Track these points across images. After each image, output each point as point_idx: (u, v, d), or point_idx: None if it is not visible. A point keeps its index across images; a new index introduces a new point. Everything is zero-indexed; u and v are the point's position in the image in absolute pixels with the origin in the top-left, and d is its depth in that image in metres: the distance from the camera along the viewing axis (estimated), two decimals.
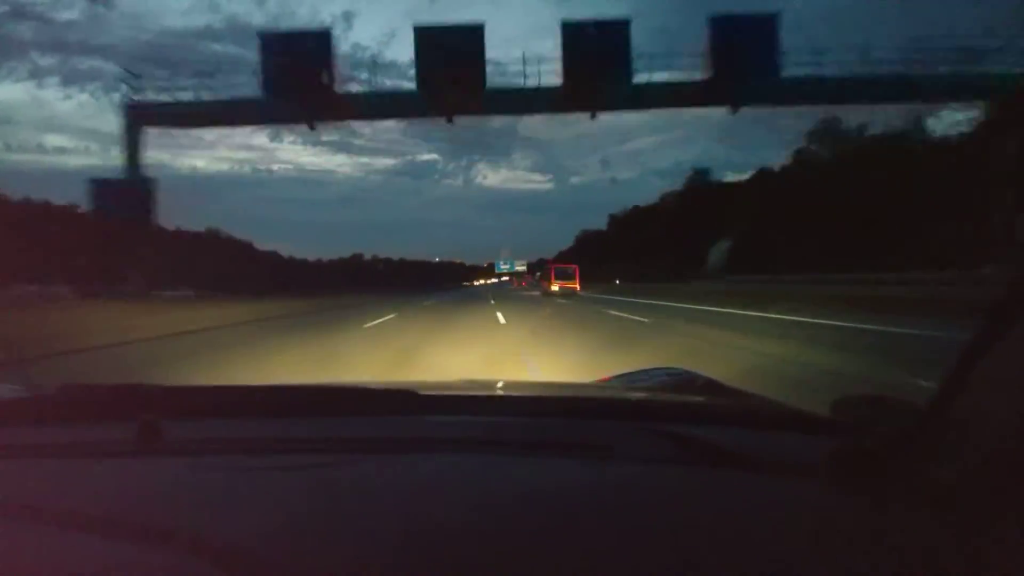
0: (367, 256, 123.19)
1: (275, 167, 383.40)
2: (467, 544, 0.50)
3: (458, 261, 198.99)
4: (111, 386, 0.94)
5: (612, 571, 0.45)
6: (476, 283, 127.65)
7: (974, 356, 0.54)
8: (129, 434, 0.75)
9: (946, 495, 0.53)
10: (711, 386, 1.18)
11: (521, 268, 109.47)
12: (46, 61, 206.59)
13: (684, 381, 1.26)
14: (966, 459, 0.54)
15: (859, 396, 0.82)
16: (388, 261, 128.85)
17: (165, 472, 0.70)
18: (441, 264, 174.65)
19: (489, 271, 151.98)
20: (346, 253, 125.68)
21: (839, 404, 0.84)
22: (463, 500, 0.60)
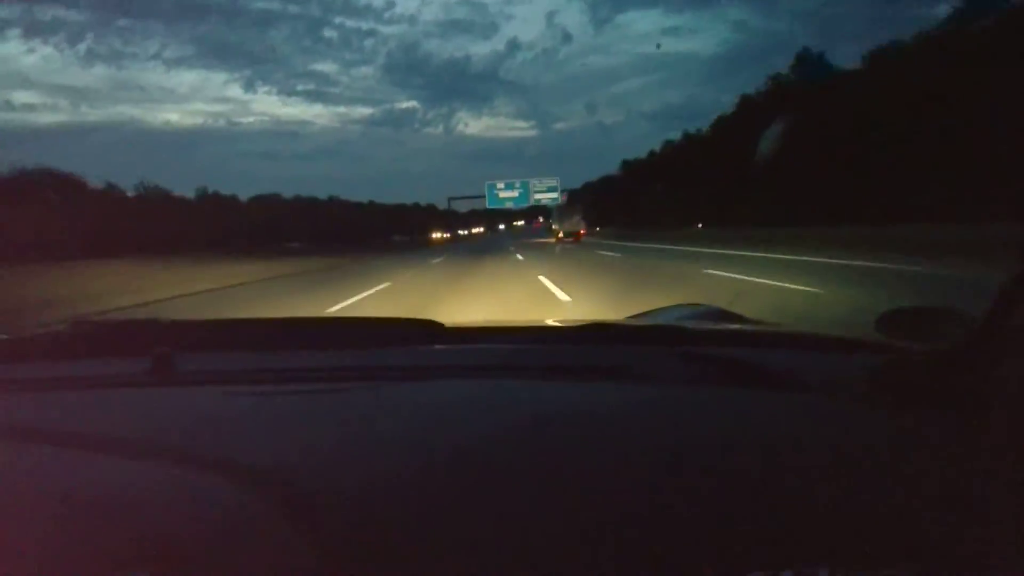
0: (286, 196, 77.78)
1: (250, 119, 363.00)
2: (489, 464, 0.49)
3: (411, 203, 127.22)
4: (123, 320, 0.96)
5: (645, 488, 0.45)
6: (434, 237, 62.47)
7: None
8: (143, 367, 0.74)
9: (1001, 414, 0.51)
10: (738, 318, 1.16)
11: (549, 197, 48.64)
12: (5, 12, 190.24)
13: (710, 314, 1.22)
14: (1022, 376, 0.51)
15: (906, 309, 0.77)
16: (313, 202, 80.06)
17: (183, 400, 0.69)
18: (389, 209, 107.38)
19: (472, 220, 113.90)
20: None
21: (884, 319, 0.78)
22: (486, 421, 0.59)
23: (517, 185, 49.88)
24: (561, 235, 34.06)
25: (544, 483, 0.45)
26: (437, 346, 0.87)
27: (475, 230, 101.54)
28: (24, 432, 0.58)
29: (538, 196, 50.55)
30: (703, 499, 0.43)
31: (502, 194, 50.13)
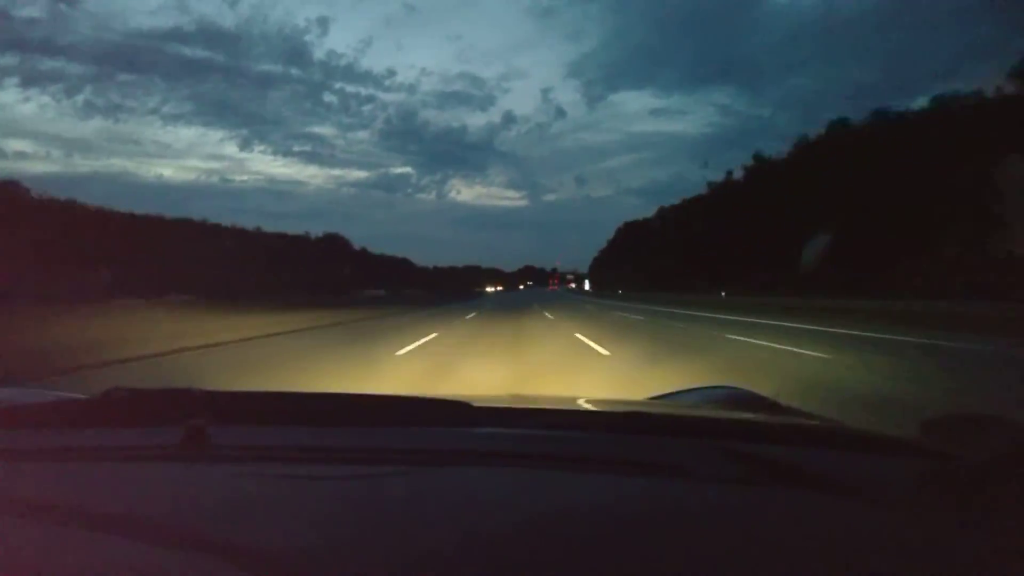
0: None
1: (244, 177, 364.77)
2: (520, 561, 0.47)
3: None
4: (158, 390, 0.94)
5: None
6: None
7: None
8: (175, 438, 0.74)
9: None
10: (771, 405, 1.13)
11: None
12: (5, 60, 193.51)
13: (742, 399, 1.19)
14: None
15: (953, 415, 0.76)
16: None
17: (210, 478, 0.69)
18: None
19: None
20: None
21: (930, 424, 0.77)
22: (518, 515, 0.57)
23: None
24: None
25: None
26: (468, 429, 0.86)
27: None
28: (47, 504, 0.58)
29: None
30: None
31: None
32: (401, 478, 0.67)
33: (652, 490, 0.64)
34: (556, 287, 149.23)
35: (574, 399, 1.06)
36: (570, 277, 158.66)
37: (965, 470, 0.61)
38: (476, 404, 0.88)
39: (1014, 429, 0.64)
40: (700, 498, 0.61)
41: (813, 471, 0.67)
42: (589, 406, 1.03)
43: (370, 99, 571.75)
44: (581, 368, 6.14)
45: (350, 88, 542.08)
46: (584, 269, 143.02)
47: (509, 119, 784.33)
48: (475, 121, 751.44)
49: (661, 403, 1.23)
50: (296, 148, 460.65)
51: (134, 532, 0.52)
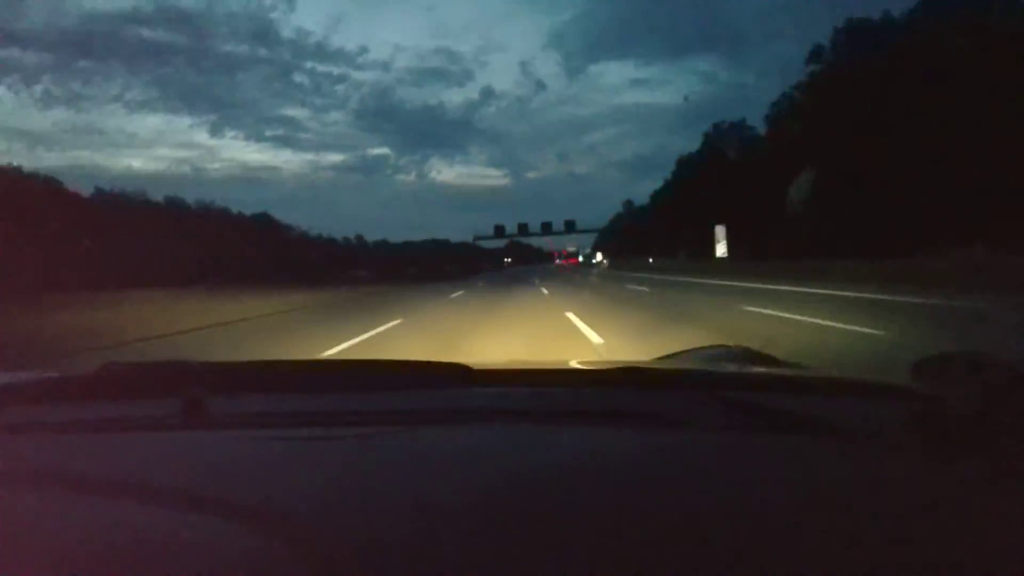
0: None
1: (217, 165, 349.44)
2: (524, 513, 0.47)
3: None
4: (155, 363, 0.94)
5: (690, 541, 0.43)
6: None
7: None
8: (174, 409, 0.75)
9: None
10: (767, 358, 1.15)
11: None
12: None
13: (739, 355, 1.22)
14: None
15: (943, 356, 0.75)
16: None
17: (212, 444, 0.69)
18: None
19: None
20: None
21: (921, 365, 0.77)
22: (519, 470, 0.57)
23: None
24: None
25: (576, 530, 0.44)
26: (467, 389, 0.87)
27: None
28: (51, 476, 0.58)
29: None
30: (740, 547, 0.42)
31: None
32: (402, 437, 0.68)
33: (651, 441, 0.64)
34: (563, 261, 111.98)
35: (571, 361, 1.09)
36: (572, 248, 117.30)
37: (955, 410, 0.62)
38: (474, 367, 0.88)
39: (1004, 367, 0.64)
40: (699, 447, 0.62)
41: (809, 417, 0.68)
42: (586, 366, 1.05)
43: (343, 78, 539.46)
44: None
45: (321, 67, 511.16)
46: (586, 242, 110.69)
47: (488, 94, 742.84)
48: (453, 98, 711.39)
49: (658, 361, 1.27)
50: (268, 132, 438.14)
51: (136, 497, 0.52)
